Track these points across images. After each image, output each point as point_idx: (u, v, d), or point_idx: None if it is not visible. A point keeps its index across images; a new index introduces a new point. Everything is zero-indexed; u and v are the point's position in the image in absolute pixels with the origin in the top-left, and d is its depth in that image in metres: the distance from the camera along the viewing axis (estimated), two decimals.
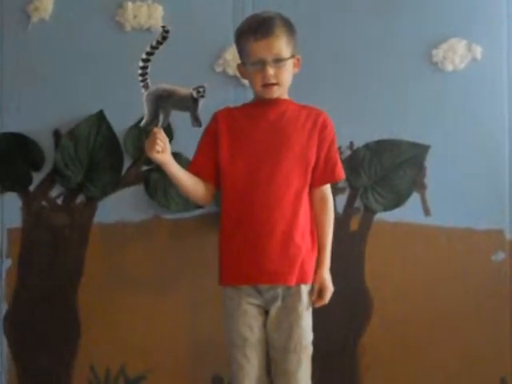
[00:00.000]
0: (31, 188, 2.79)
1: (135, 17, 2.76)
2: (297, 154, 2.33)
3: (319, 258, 2.37)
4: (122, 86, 2.75)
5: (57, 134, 2.78)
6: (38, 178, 2.78)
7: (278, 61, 2.28)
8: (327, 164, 2.37)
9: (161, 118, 2.25)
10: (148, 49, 2.25)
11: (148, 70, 2.25)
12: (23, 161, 2.77)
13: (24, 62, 2.78)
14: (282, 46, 2.29)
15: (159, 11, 2.76)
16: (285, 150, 2.32)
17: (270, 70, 2.28)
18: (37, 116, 2.77)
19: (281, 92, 2.35)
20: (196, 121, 2.26)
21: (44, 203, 2.79)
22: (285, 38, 2.29)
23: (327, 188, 2.41)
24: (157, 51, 2.25)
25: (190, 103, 2.23)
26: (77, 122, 2.76)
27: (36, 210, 2.78)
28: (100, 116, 2.77)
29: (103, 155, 2.78)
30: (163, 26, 2.23)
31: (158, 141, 2.22)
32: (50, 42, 2.78)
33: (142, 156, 2.77)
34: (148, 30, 2.76)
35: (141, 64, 2.25)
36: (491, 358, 2.75)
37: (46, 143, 2.78)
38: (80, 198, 2.78)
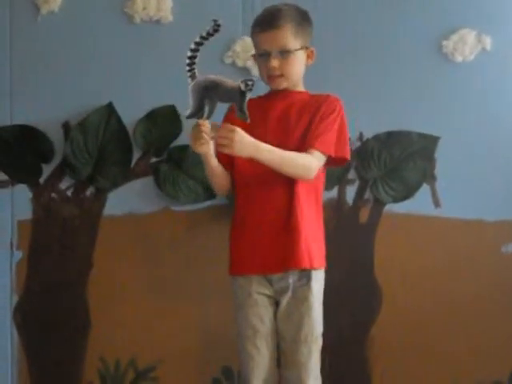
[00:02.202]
0: (41, 180, 2.79)
1: (144, 8, 2.76)
2: (298, 141, 2.30)
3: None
4: (131, 77, 2.75)
5: (66, 126, 2.78)
6: (47, 169, 2.79)
7: (284, 52, 2.27)
8: (314, 130, 2.28)
9: (206, 109, 2.16)
10: (197, 39, 2.16)
11: (196, 60, 2.16)
12: (33, 153, 2.78)
13: (33, 54, 2.78)
14: (288, 37, 2.26)
15: (168, 3, 2.76)
16: (290, 142, 2.30)
17: (274, 62, 2.26)
18: (46, 108, 2.77)
19: (289, 84, 2.33)
20: (242, 113, 2.16)
21: (54, 195, 2.79)
22: (292, 29, 2.27)
23: (314, 154, 2.27)
24: (206, 42, 2.16)
25: (237, 96, 2.13)
26: (86, 114, 2.76)
27: (46, 201, 2.79)
28: (109, 108, 2.77)
29: (112, 147, 2.78)
30: (215, 20, 2.15)
31: (203, 134, 2.16)
32: (60, 34, 2.78)
33: (151, 148, 2.77)
34: (157, 21, 2.76)
35: (189, 54, 2.16)
36: (501, 351, 2.76)
37: (56, 135, 2.78)
38: (90, 190, 2.79)
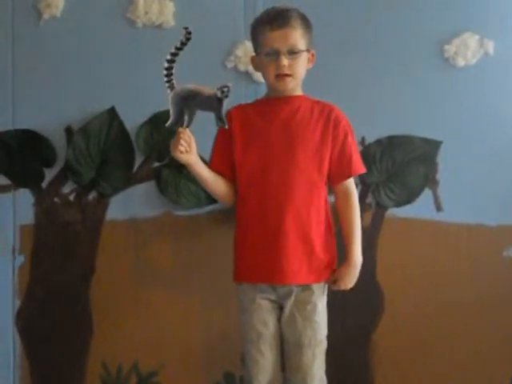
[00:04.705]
0: (43, 184, 2.78)
1: (146, 13, 2.76)
2: (310, 151, 2.33)
3: (346, 254, 2.35)
4: (134, 82, 2.75)
5: (69, 131, 2.78)
6: (50, 174, 2.78)
7: (293, 52, 2.29)
8: (342, 160, 2.36)
9: (186, 118, 2.25)
10: (172, 50, 2.25)
11: (173, 71, 2.25)
12: (35, 157, 2.77)
13: (36, 59, 2.77)
14: (298, 37, 2.29)
15: (170, 7, 2.76)
16: (298, 148, 2.32)
17: (284, 61, 2.28)
18: (49, 113, 2.77)
19: (294, 85, 2.35)
20: (221, 120, 2.25)
21: (56, 200, 2.79)
22: (301, 30, 2.30)
23: (349, 183, 2.40)
24: (181, 52, 2.25)
25: (214, 103, 2.23)
26: (89, 119, 2.76)
27: (48, 206, 2.78)
28: (112, 113, 2.77)
29: (115, 152, 2.78)
30: (186, 28, 2.23)
31: (182, 141, 2.23)
32: (62, 39, 2.77)
33: (153, 152, 2.77)
34: (159, 26, 2.76)
35: (166, 65, 2.25)
36: (502, 355, 2.76)
37: (58, 140, 2.77)
38: (92, 195, 2.78)
